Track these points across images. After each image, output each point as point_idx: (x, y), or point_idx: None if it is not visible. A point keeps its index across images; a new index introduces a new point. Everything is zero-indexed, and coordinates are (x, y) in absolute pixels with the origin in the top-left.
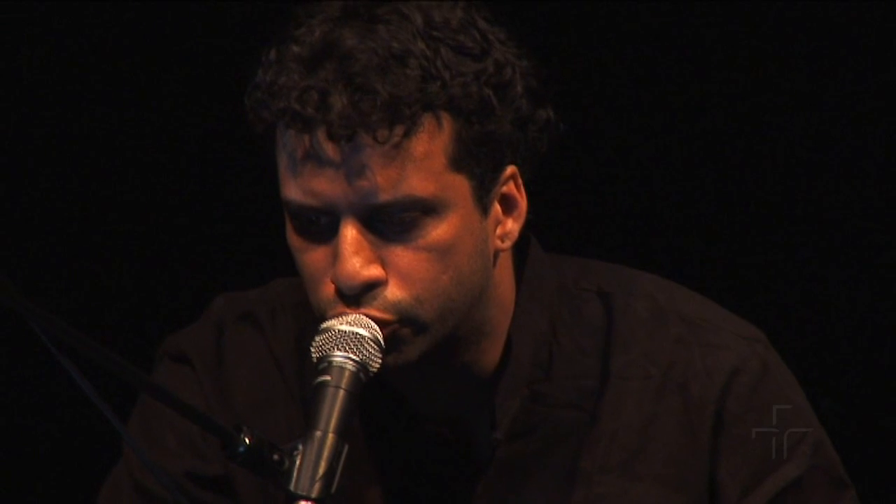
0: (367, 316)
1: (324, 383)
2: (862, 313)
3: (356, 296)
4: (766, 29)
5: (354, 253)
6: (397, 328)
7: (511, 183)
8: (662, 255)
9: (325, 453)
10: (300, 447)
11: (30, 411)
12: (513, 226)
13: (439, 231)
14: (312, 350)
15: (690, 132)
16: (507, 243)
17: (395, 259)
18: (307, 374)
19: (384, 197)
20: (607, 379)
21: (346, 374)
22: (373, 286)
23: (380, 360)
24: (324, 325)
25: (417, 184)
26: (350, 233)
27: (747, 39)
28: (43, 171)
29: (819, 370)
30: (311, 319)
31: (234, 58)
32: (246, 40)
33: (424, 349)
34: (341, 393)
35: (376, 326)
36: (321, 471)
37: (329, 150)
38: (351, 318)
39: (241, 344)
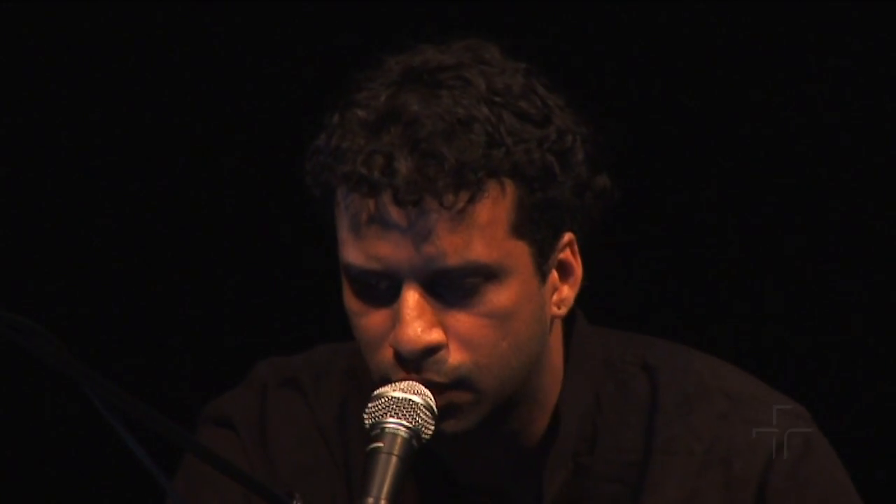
0: (426, 381)
1: (376, 450)
2: None
3: (416, 360)
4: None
5: (416, 317)
6: (456, 395)
7: (568, 250)
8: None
9: None
10: None
11: (74, 472)
12: (568, 293)
13: (500, 297)
14: (365, 416)
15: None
16: (563, 310)
17: (456, 324)
18: (350, 441)
19: (449, 262)
20: (650, 454)
21: (399, 440)
22: (433, 351)
23: (433, 427)
24: (377, 392)
25: (481, 250)
26: (412, 297)
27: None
28: (87, 228)
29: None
30: (355, 386)
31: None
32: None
33: (482, 416)
34: (393, 460)
35: (429, 393)
36: None
37: (394, 214)
38: (404, 384)
39: (285, 409)
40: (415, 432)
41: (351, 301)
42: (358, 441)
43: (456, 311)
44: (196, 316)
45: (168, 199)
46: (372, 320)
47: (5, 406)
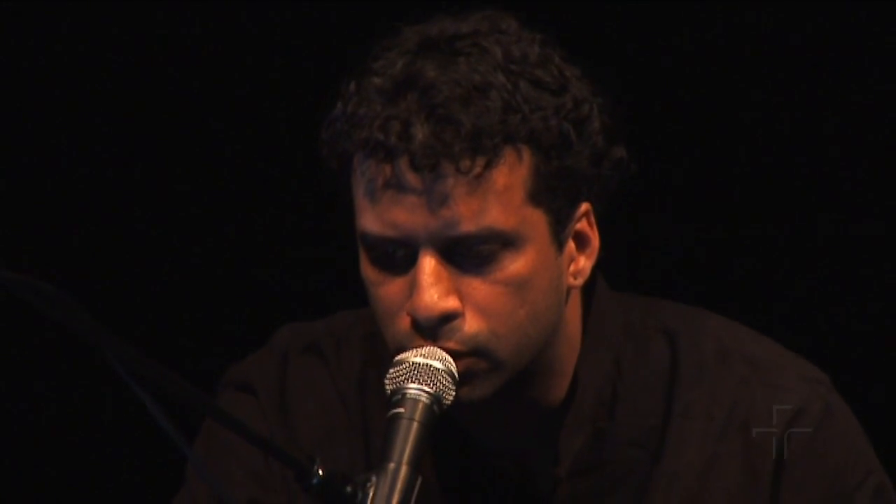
0: (443, 349)
1: (397, 415)
2: None
3: (433, 328)
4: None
5: (432, 284)
6: (473, 362)
7: (585, 220)
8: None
9: (399, 485)
10: (373, 479)
11: (90, 438)
12: (585, 263)
13: (517, 265)
14: (386, 382)
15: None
16: (580, 280)
17: (473, 292)
18: (370, 407)
19: (465, 228)
20: (670, 418)
21: (420, 406)
22: (449, 318)
23: (454, 393)
24: (398, 358)
25: (498, 216)
26: (429, 263)
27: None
28: (108, 196)
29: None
30: (375, 353)
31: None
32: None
33: (499, 385)
34: (415, 425)
35: (450, 359)
36: (394, 503)
37: (410, 179)
38: (425, 350)
39: (306, 375)
40: (436, 398)
41: (368, 270)
42: (378, 407)
43: (472, 278)
44: (217, 280)
45: (187, 168)
46: (389, 289)
47: (27, 374)
